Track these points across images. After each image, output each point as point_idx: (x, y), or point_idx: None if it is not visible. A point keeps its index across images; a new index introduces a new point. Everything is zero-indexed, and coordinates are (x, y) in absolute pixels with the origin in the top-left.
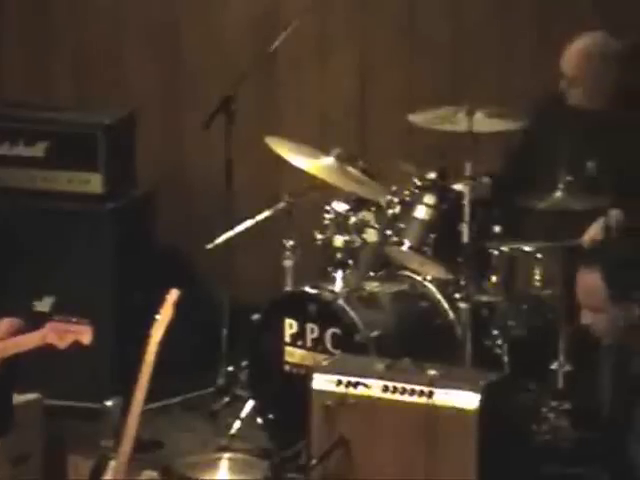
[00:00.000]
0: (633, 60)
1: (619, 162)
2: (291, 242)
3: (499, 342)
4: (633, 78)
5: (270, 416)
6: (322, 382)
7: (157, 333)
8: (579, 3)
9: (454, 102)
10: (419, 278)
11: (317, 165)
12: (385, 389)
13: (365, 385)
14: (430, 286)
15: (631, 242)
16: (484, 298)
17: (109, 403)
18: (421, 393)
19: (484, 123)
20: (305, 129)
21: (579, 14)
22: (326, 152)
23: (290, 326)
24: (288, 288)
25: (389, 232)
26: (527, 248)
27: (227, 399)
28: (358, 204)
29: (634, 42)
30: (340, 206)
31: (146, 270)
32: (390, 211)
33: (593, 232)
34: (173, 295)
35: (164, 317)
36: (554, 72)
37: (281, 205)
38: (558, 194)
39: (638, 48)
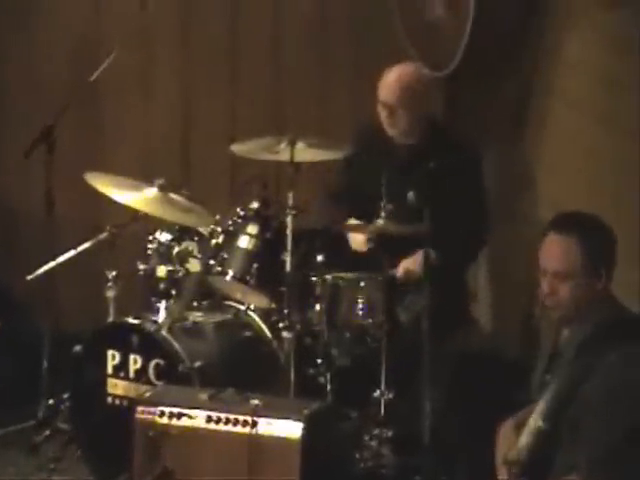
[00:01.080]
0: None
1: (433, 195)
2: (114, 273)
3: (322, 371)
4: (445, 111)
5: (92, 449)
6: (145, 413)
7: None
8: (394, 37)
9: (276, 133)
10: (243, 307)
11: (139, 196)
12: (209, 419)
13: (188, 416)
14: (253, 315)
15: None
16: (308, 327)
17: None
18: (244, 423)
19: (305, 153)
20: (128, 159)
21: (394, 48)
22: (149, 183)
23: (113, 357)
24: (110, 319)
25: (212, 262)
26: (350, 277)
27: (48, 432)
28: (181, 234)
29: (447, 76)
30: (163, 236)
31: None
32: (213, 241)
33: (406, 264)
34: None
35: None
36: (372, 104)
37: (103, 235)
38: (380, 221)
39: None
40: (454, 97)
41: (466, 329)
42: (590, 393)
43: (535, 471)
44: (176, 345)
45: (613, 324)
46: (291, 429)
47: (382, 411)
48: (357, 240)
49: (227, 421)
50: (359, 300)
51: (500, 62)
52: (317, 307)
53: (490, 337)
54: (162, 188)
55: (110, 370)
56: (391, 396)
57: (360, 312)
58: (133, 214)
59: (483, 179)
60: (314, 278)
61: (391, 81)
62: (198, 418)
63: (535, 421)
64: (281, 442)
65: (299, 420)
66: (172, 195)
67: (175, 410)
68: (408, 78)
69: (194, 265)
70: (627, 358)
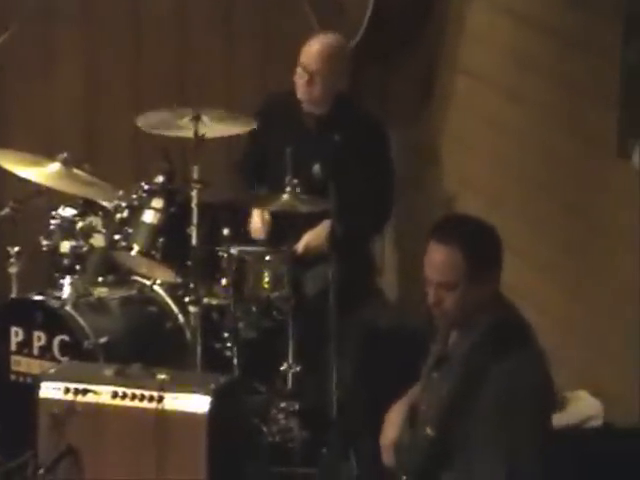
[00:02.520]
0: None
1: (338, 168)
2: (16, 249)
3: (229, 345)
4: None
5: None
6: (49, 390)
7: None
8: (299, 12)
9: (181, 106)
10: (148, 282)
11: (42, 171)
12: (114, 395)
13: (94, 392)
14: (159, 290)
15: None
16: (214, 301)
17: None
18: (151, 398)
19: (210, 127)
20: (31, 134)
21: (301, 21)
22: (52, 157)
23: (16, 334)
24: (13, 295)
25: (117, 237)
26: (255, 251)
27: None
28: (85, 209)
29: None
30: (67, 211)
31: None
32: (118, 215)
33: (307, 238)
34: None
35: None
36: (279, 77)
37: (5, 211)
38: (285, 196)
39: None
40: (358, 70)
41: (372, 301)
42: (481, 407)
43: (429, 476)
44: (81, 321)
45: (500, 329)
46: (198, 404)
47: (289, 384)
48: (255, 228)
49: (133, 397)
50: (265, 274)
51: (405, 34)
52: (223, 281)
53: (396, 309)
54: (65, 162)
55: (13, 347)
56: (298, 369)
57: (266, 285)
58: (35, 189)
59: (390, 151)
60: (220, 252)
61: (316, 48)
62: (104, 394)
63: (424, 428)
64: (188, 417)
65: (206, 394)
66: (75, 170)
67: (80, 386)
68: (333, 47)
69: (98, 240)
70: (512, 369)
